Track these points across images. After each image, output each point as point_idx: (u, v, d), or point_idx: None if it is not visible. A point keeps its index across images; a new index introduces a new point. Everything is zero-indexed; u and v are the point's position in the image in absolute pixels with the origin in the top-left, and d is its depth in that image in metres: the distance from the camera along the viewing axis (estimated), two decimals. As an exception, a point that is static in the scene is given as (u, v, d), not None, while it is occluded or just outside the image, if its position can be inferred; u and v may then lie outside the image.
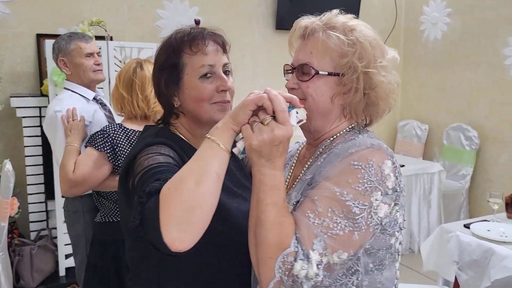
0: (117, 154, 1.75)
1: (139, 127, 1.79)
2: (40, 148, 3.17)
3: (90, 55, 2.04)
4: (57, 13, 3.41)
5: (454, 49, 4.30)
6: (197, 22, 3.75)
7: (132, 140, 1.76)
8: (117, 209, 1.84)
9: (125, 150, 1.75)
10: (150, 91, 1.78)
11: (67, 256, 3.12)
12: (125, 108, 1.83)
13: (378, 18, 4.65)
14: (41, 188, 3.22)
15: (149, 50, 3.29)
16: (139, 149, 1.01)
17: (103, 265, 1.81)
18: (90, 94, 2.07)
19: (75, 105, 1.99)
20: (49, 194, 3.22)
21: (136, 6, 3.67)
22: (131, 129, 1.79)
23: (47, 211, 3.27)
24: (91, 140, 1.78)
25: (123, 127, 1.79)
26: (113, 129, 1.77)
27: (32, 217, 3.22)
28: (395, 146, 4.83)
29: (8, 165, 2.53)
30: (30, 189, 3.19)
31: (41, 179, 3.20)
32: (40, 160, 3.18)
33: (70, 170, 1.76)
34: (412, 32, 4.72)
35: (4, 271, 2.53)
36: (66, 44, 2.04)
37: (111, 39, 3.38)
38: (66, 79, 2.13)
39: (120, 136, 1.76)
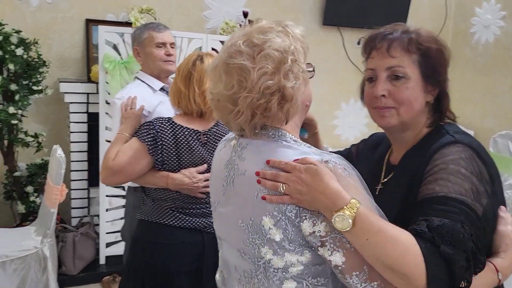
0: (158, 148, 1.65)
1: (192, 124, 1.71)
2: (86, 134, 3.15)
3: (162, 45, 1.98)
4: (107, -1, 3.37)
5: (507, 53, 4.14)
6: (245, 14, 3.68)
7: (178, 136, 1.67)
8: (157, 210, 1.74)
9: (169, 145, 1.67)
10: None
11: (107, 245, 3.11)
12: (182, 103, 1.72)
13: (426, 18, 4.51)
14: (85, 175, 3.20)
15: (198, 41, 3.23)
16: None
17: (138, 266, 1.72)
18: (157, 85, 2.02)
19: (137, 94, 1.94)
20: (92, 181, 3.20)
21: (185, -6, 3.61)
22: (179, 125, 1.69)
23: (89, 198, 3.25)
24: (137, 130, 1.72)
25: (171, 121, 1.70)
26: (160, 121, 1.69)
27: (74, 203, 3.21)
28: (435, 150, 4.70)
29: (59, 151, 2.51)
30: (73, 175, 3.18)
31: (84, 165, 3.19)
32: (85, 146, 3.16)
33: (111, 158, 1.68)
34: (461, 33, 4.56)
35: (51, 258, 2.52)
36: (140, 33, 1.99)
37: (159, 27, 3.34)
38: (140, 70, 2.08)
39: (165, 130, 1.67)
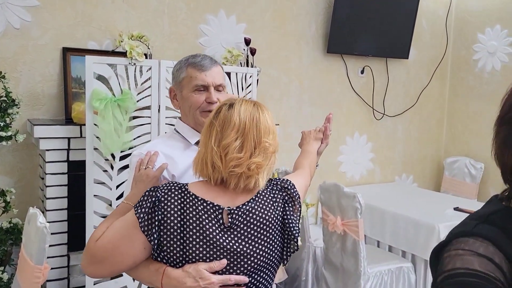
0: (154, 224, 1.13)
1: (214, 196, 1.17)
2: (66, 188, 2.55)
3: (204, 88, 1.45)
4: (88, 24, 2.83)
5: (517, 81, 3.94)
6: (247, 41, 3.25)
7: (187, 211, 1.14)
8: None
9: (171, 223, 1.13)
10: (235, 139, 1.15)
11: (96, 327, 2.49)
12: (198, 166, 1.21)
13: (428, 46, 4.27)
14: (64, 238, 2.58)
15: (201, 72, 2.74)
16: (449, 238, 0.79)
17: None
18: (193, 138, 1.47)
19: (163, 149, 1.40)
20: (74, 245, 2.59)
21: (178, 19, 3.13)
22: (192, 194, 1.16)
23: (68, 267, 2.62)
24: (139, 199, 1.19)
25: (186, 191, 1.17)
26: (168, 186, 1.18)
27: (50, 274, 2.57)
28: (442, 184, 4.40)
29: (41, 219, 1.92)
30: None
31: (64, 227, 2.57)
32: (64, 203, 2.55)
33: (95, 237, 1.17)
34: (463, 61, 4.34)
35: None
36: (179, 70, 1.44)
37: (150, 57, 2.83)
38: (179, 117, 1.54)
39: (170, 198, 1.15)
